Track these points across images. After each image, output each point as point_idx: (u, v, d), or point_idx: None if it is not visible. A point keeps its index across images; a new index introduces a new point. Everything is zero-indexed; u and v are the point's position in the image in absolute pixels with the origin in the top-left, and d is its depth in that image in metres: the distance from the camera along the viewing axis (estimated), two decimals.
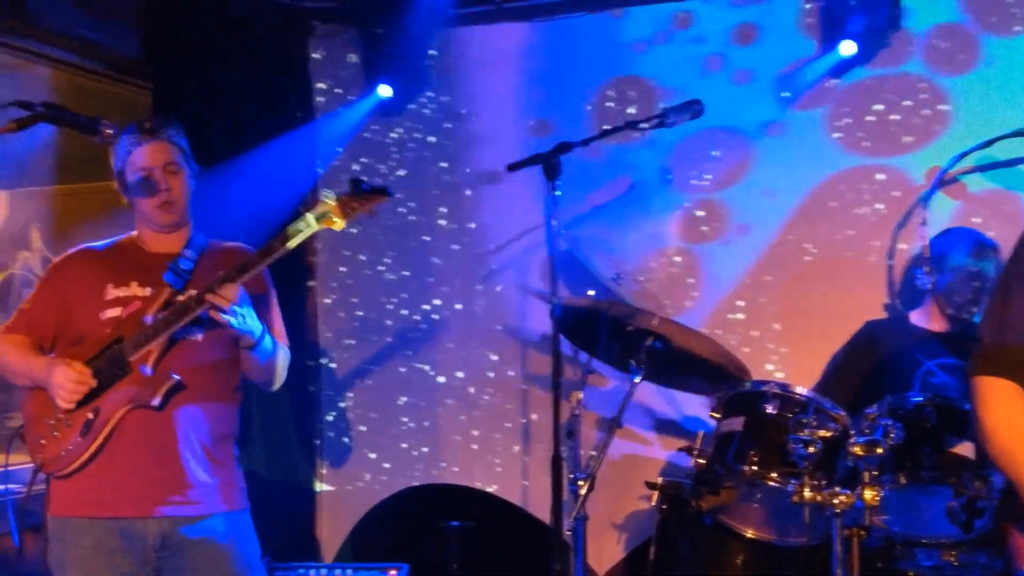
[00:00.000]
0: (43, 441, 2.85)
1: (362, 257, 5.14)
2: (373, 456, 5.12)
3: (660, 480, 3.70)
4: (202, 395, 2.90)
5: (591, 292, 3.93)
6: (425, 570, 4.55)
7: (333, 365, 5.17)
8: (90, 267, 2.99)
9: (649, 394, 4.54)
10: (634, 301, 3.72)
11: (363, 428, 5.14)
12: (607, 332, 3.74)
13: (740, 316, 4.66)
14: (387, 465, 5.10)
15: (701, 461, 3.52)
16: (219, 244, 3.10)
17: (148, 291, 2.92)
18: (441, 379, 5.06)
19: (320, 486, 5.14)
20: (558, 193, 3.42)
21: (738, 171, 4.67)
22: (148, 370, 2.79)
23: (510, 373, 4.93)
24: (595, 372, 4.15)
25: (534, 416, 4.87)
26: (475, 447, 5.02)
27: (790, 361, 4.58)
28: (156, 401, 2.79)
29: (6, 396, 4.39)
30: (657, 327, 3.63)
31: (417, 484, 5.05)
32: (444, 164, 5.08)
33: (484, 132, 4.98)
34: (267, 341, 2.94)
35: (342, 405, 5.16)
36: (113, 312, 2.90)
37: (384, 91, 4.95)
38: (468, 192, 5.04)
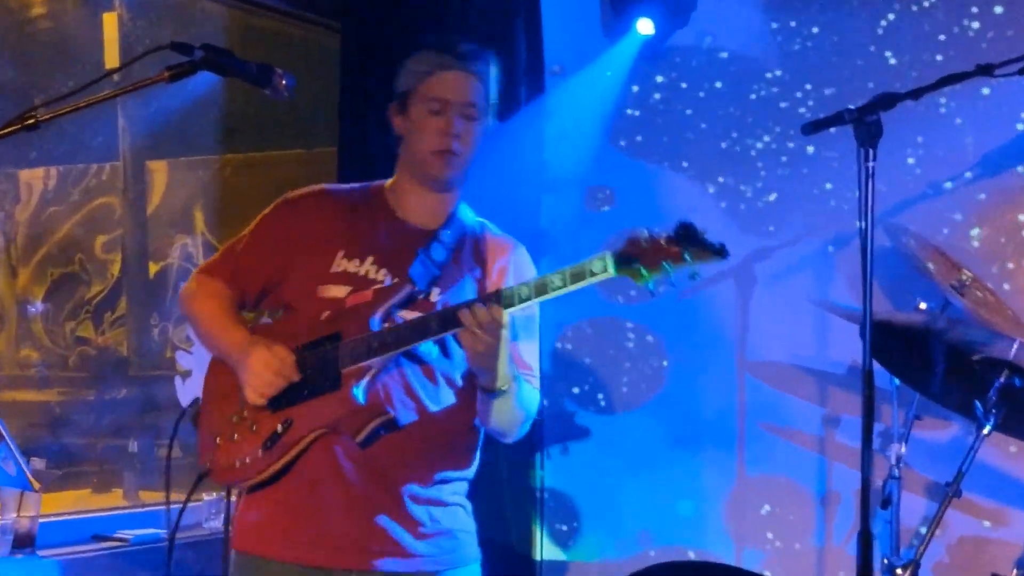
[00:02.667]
0: (218, 440, 2.65)
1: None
2: (606, 519, 4.79)
3: (1015, 572, 3.36)
4: (420, 431, 2.63)
5: (923, 305, 3.50)
6: None
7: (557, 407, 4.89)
8: (324, 219, 2.75)
9: (1002, 450, 3.99)
10: (983, 319, 3.32)
11: (593, 483, 4.81)
12: (943, 361, 3.38)
13: None
14: (624, 532, 4.74)
15: None
16: (484, 231, 2.84)
17: (384, 274, 2.66)
18: (700, 421, 4.63)
19: (539, 554, 4.85)
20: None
21: None
22: (360, 397, 2.54)
23: (802, 415, 4.45)
24: (924, 417, 3.74)
25: (834, 475, 4.42)
26: (747, 514, 4.56)
27: None
28: (360, 438, 2.55)
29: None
30: (1017, 357, 3.13)
31: (665, 561, 4.63)
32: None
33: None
34: (521, 391, 2.66)
35: (567, 456, 4.85)
36: (337, 291, 2.66)
37: (644, 27, 4.53)
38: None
